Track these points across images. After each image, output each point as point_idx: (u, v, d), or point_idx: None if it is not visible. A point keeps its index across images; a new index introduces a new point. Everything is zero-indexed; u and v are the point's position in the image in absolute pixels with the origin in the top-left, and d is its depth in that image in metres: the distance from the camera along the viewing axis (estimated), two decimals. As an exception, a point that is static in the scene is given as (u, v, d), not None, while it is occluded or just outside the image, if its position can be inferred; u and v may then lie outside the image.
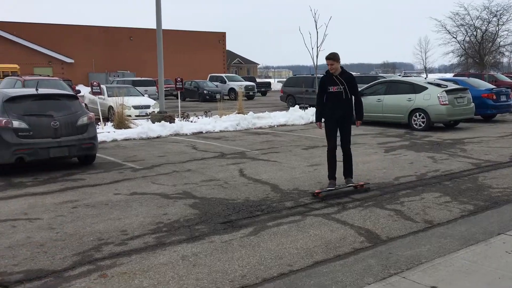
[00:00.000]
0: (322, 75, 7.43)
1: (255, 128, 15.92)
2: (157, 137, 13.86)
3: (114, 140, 13.15)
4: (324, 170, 8.78)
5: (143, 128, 14.36)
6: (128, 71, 48.84)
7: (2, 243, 5.10)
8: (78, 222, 5.84)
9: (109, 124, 15.73)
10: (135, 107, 17.60)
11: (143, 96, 20.39)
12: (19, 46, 47.52)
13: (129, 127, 14.92)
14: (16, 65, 40.80)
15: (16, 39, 47.47)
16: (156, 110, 17.34)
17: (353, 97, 7.18)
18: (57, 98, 9.33)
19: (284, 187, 7.55)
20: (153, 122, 15.40)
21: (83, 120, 9.19)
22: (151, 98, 21.98)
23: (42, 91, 9.55)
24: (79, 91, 17.45)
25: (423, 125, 14.46)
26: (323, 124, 7.39)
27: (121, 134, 13.73)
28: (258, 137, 13.72)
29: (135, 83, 28.17)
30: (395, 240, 5.14)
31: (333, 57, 7.03)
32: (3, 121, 8.40)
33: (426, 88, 14.72)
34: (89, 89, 20.71)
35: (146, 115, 17.49)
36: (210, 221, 5.83)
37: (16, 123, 8.45)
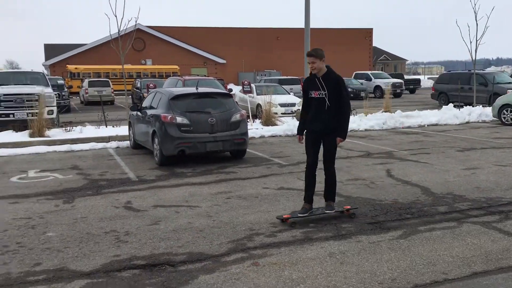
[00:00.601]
0: (307, 77, 6.04)
1: (402, 128, 15.25)
2: (302, 135, 14.10)
3: (262, 137, 13.75)
4: (483, 174, 8.08)
5: (288, 125, 14.74)
6: (274, 70, 50.54)
7: (168, 226, 5.71)
8: (231, 212, 6.26)
9: (257, 121, 16.49)
10: (281, 105, 18.13)
11: (289, 94, 20.91)
12: (179, 49, 52.39)
13: (276, 124, 15.45)
14: (176, 66, 45.10)
15: (177, 42, 52.42)
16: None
17: (341, 105, 5.65)
18: (214, 97, 10.10)
19: (437, 190, 7.12)
20: (298, 120, 15.68)
21: (236, 117, 9.80)
22: (296, 96, 22.43)
23: (201, 90, 10.42)
24: (231, 90, 18.60)
25: None
26: (304, 138, 5.98)
27: (268, 130, 14.30)
28: (406, 137, 13.12)
29: (281, 82, 29.00)
30: None
31: (314, 54, 5.58)
32: (169, 117, 9.36)
33: None
34: (238, 87, 21.96)
35: (291, 112, 17.91)
36: (357, 220, 5.77)
37: (179, 119, 9.35)
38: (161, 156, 9.49)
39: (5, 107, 14.13)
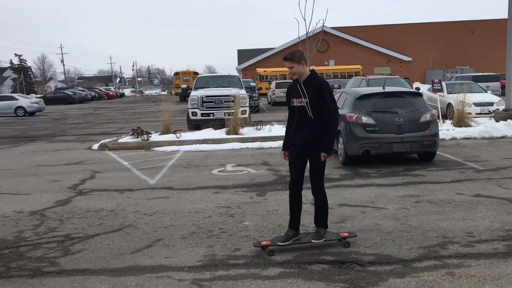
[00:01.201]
0: (290, 83, 5.24)
1: None
2: (502, 137, 12.69)
3: (453, 138, 12.77)
4: None
5: (485, 126, 13.40)
6: (468, 66, 46.33)
7: (354, 225, 5.73)
8: (421, 216, 5.97)
9: (448, 121, 15.35)
10: (476, 105, 16.55)
11: (485, 92, 18.95)
12: (362, 48, 51.87)
13: (469, 126, 14.18)
14: (359, 66, 44.77)
15: (359, 41, 52.02)
16: (501, 107, 15.85)
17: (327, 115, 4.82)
18: (402, 96, 9.74)
19: None
20: (497, 121, 14.15)
21: (426, 117, 9.30)
22: (494, 94, 20.20)
23: (388, 89, 10.17)
24: (418, 88, 17.70)
25: None
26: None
27: (460, 132, 13.22)
28: None
29: (475, 79, 26.47)
30: None
31: (290, 57, 4.84)
32: (354, 117, 9.36)
33: None
34: (424, 86, 20.70)
35: (489, 113, 16.22)
36: None
37: (364, 119, 9.28)
38: (345, 156, 9.55)
39: (207, 107, 15.94)
